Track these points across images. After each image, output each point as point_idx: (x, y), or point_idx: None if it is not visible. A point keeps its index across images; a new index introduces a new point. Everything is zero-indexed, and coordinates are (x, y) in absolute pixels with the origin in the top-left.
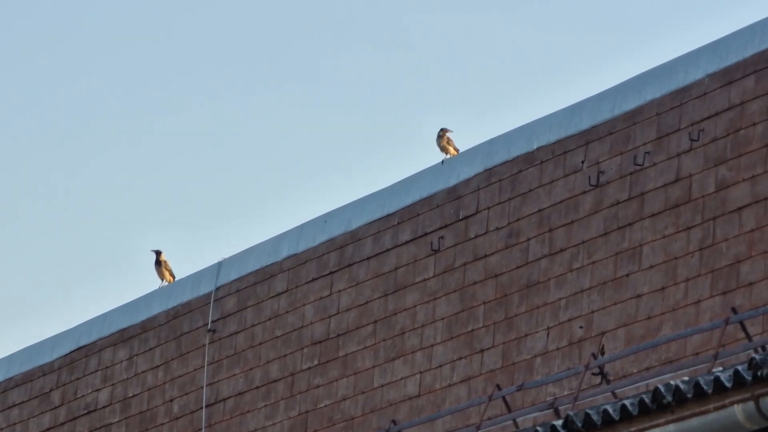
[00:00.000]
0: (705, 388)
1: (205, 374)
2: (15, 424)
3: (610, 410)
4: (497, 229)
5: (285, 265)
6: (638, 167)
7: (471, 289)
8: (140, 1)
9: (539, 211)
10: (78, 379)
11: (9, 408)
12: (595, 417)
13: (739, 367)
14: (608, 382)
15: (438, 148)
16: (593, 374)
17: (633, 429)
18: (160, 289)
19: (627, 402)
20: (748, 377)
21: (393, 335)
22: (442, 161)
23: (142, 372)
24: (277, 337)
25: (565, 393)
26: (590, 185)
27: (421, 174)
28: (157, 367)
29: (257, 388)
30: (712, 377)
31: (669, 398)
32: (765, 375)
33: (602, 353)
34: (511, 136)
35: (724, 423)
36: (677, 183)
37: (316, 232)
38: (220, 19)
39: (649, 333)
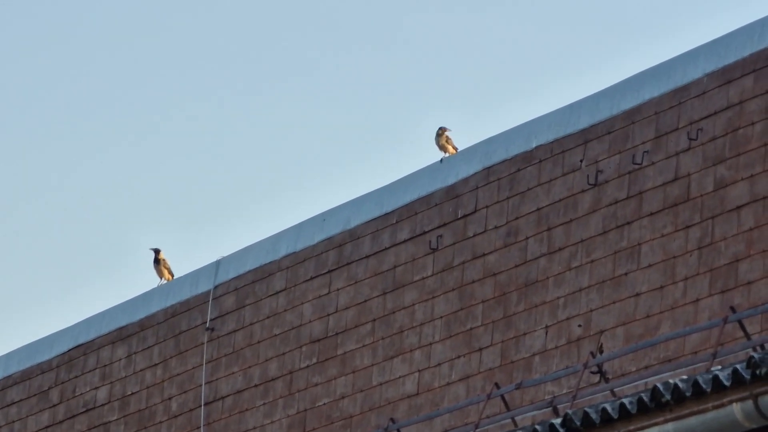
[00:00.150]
0: (704, 386)
1: (203, 372)
2: (14, 422)
3: (609, 409)
4: (496, 227)
5: (283, 263)
6: (637, 166)
7: (470, 287)
8: (137, 1)
9: (538, 210)
10: (77, 377)
11: (8, 406)
12: (593, 415)
13: (738, 366)
14: (607, 380)
15: (437, 147)
16: (592, 373)
17: (632, 428)
18: (159, 287)
19: (626, 400)
20: (747, 376)
21: (392, 334)
22: (441, 160)
23: (141, 370)
24: (276, 335)
25: (564, 391)
26: (589, 184)
27: (420, 173)
28: (156, 365)
29: (256, 386)
30: (710, 376)
31: (668, 397)
32: (764, 374)
33: (601, 352)
34: (509, 135)
35: (723, 422)
36: (676, 182)
37: (314, 230)
38: (217, 20)
39: (647, 332)
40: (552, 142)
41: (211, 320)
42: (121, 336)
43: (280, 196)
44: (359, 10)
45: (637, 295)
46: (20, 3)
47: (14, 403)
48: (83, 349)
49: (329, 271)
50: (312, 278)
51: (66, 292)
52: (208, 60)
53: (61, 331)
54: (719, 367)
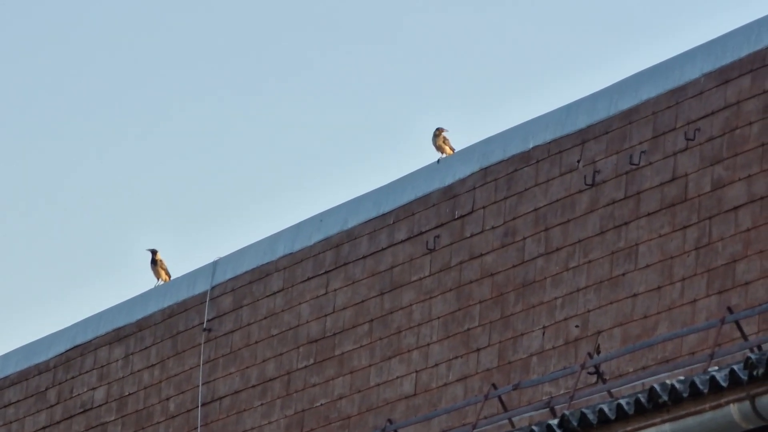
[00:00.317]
0: (701, 387)
1: (201, 373)
2: (11, 422)
3: (606, 409)
4: (493, 228)
5: (281, 264)
6: (634, 166)
7: (467, 288)
8: (134, 2)
9: (535, 210)
10: (74, 377)
11: (5, 406)
12: (591, 416)
13: (735, 367)
14: (604, 381)
15: (434, 148)
16: (589, 373)
17: (629, 428)
18: (156, 288)
19: (623, 401)
20: (744, 377)
21: (389, 334)
22: (438, 160)
23: (138, 371)
24: (273, 335)
25: (561, 392)
26: (586, 184)
27: (417, 173)
28: (153, 365)
29: (253, 386)
30: (707, 377)
31: (665, 397)
32: (761, 374)
33: (598, 352)
34: (507, 135)
35: (720, 422)
36: (673, 182)
37: (311, 231)
38: (214, 22)
39: (645, 332)
40: (549, 143)
41: (208, 321)
42: (118, 336)
43: (278, 196)
44: (356, 11)
45: (635, 295)
46: (19, 3)
47: (12, 403)
48: (81, 350)
49: (326, 272)
50: (309, 279)
51: (63, 292)
52: (205, 61)
53: (58, 331)
54: (716, 367)
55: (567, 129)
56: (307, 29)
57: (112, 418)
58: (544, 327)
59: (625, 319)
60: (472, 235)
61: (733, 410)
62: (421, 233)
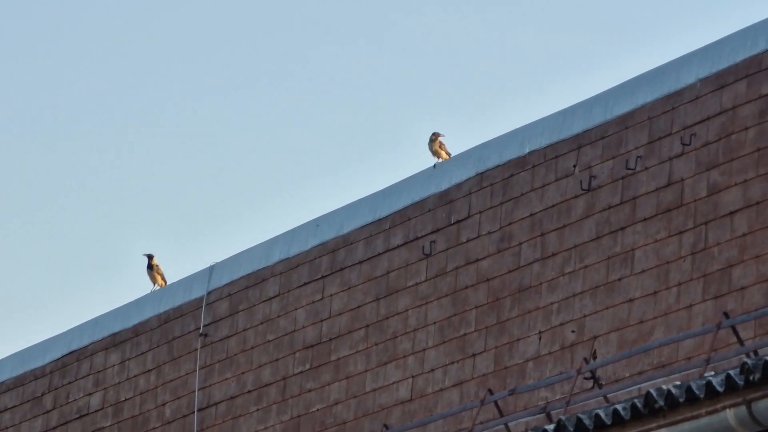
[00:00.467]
0: (697, 392)
1: (197, 378)
2: (7, 428)
3: (602, 415)
4: (489, 233)
5: (277, 269)
6: (630, 171)
7: (463, 293)
8: (131, 9)
9: (531, 215)
10: (70, 383)
11: (1, 412)
12: (587, 421)
13: (731, 372)
14: (600, 386)
15: (430, 153)
16: (585, 378)
17: None
18: (152, 293)
19: (619, 406)
20: (740, 382)
21: (385, 339)
22: (434, 165)
23: (134, 376)
24: (269, 341)
25: (557, 397)
26: (582, 189)
27: (413, 178)
28: (149, 371)
29: (249, 392)
30: (704, 382)
31: (661, 403)
32: (757, 379)
33: (594, 357)
34: (503, 140)
35: (716, 427)
36: (669, 187)
37: (308, 236)
38: (212, 28)
39: (641, 337)
40: (545, 148)
41: (204, 326)
42: (114, 342)
43: (274, 201)
44: (352, 15)
45: (631, 300)
46: (18, 4)
47: (7, 409)
48: (76, 356)
49: (322, 277)
50: (305, 284)
51: (59, 298)
52: (202, 65)
53: (54, 337)
54: (712, 372)
55: (563, 134)
56: (303, 33)
57: (108, 424)
58: (540, 332)
59: (621, 324)
60: (468, 240)
61: (730, 415)
62: (417, 238)
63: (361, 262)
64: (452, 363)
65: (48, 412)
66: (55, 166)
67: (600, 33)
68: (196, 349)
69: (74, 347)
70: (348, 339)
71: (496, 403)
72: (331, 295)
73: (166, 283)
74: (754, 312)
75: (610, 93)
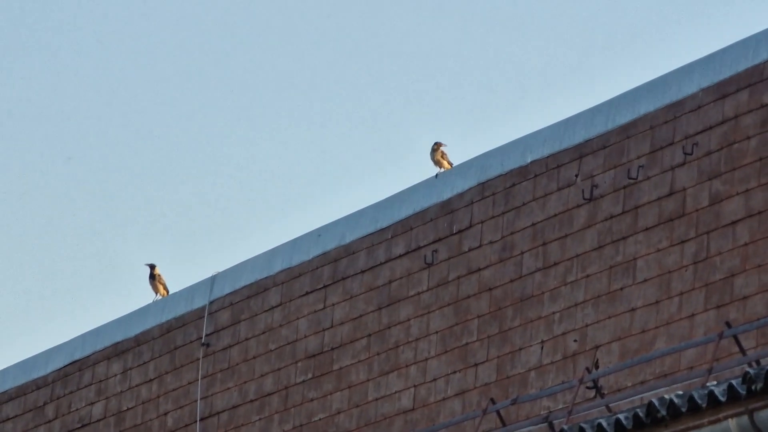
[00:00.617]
0: (699, 402)
1: (199, 388)
2: None
3: (605, 424)
4: (491, 242)
5: (279, 278)
6: (632, 181)
7: (465, 302)
8: (128, 19)
9: (533, 224)
10: (72, 392)
11: (3, 422)
12: (589, 431)
13: (734, 381)
14: (602, 395)
15: (432, 162)
16: (587, 388)
17: None
18: (154, 302)
19: (621, 416)
20: (742, 391)
21: (387, 349)
22: (436, 175)
23: (137, 385)
24: (271, 350)
25: (560, 407)
26: (584, 199)
27: (415, 188)
28: (152, 380)
29: (251, 401)
30: (706, 391)
31: (663, 412)
32: (759, 389)
33: (596, 367)
34: (504, 149)
35: None
36: (671, 197)
37: (309, 245)
38: (217, 38)
39: (643, 347)
40: (547, 157)
41: (206, 335)
42: (116, 351)
43: (275, 211)
44: (354, 27)
45: (633, 310)
46: (16, 7)
47: (9, 419)
48: (79, 365)
49: (324, 286)
50: (307, 293)
51: (61, 307)
52: (205, 75)
53: (56, 346)
54: (715, 382)
55: (565, 143)
56: (305, 45)
57: None
58: (542, 341)
59: (624, 334)
60: (470, 250)
61: (732, 425)
62: (419, 248)
63: (363, 272)
64: (454, 372)
65: (50, 421)
66: (57, 174)
67: (602, 42)
68: (198, 359)
69: (76, 357)
70: (350, 348)
71: (498, 412)
72: (333, 305)
73: (168, 292)
74: (756, 321)
75: (612, 102)
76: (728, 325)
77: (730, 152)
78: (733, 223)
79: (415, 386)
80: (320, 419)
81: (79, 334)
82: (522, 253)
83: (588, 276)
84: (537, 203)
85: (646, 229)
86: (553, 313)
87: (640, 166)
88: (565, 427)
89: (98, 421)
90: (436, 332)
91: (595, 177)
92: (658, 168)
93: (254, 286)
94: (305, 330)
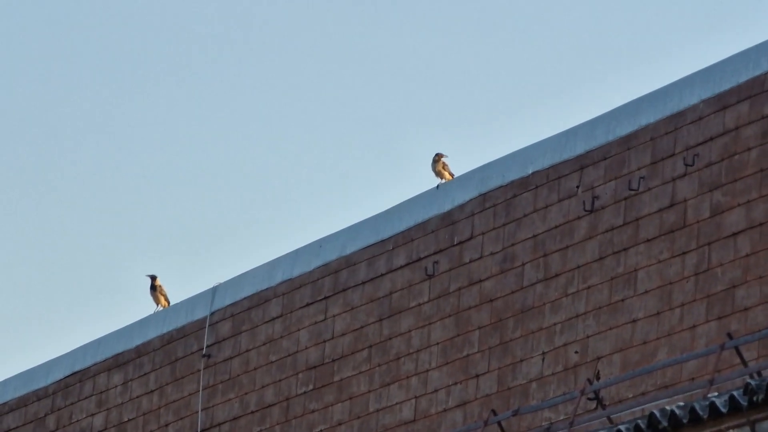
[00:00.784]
0: (700, 413)
1: (200, 399)
2: None
3: None
4: (492, 254)
5: (280, 289)
6: (633, 192)
7: (466, 313)
8: (125, 29)
9: (534, 236)
10: (73, 403)
11: None
12: None
13: (735, 393)
14: (604, 407)
15: (433, 173)
16: (589, 399)
17: None
18: (155, 314)
19: (622, 427)
20: (744, 403)
21: (388, 360)
22: (437, 186)
23: (137, 397)
24: (272, 361)
25: (561, 418)
26: (585, 210)
27: (416, 199)
28: (152, 391)
29: (252, 412)
30: (707, 402)
31: (665, 423)
32: (760, 400)
33: (598, 378)
34: (505, 161)
35: None
36: (672, 208)
37: (310, 257)
38: (217, 49)
39: (644, 358)
40: (548, 168)
41: (207, 347)
42: (117, 363)
43: (276, 222)
44: (355, 36)
45: (634, 321)
46: (15, 10)
47: (10, 430)
48: (79, 376)
49: (325, 298)
50: (308, 304)
51: (62, 319)
52: (205, 86)
53: (57, 357)
54: (716, 393)
55: (566, 154)
56: (307, 54)
57: None
58: (543, 353)
59: (625, 345)
60: (470, 261)
61: None
62: (420, 259)
63: (363, 283)
64: (455, 384)
65: None
66: (58, 186)
67: (602, 54)
68: (199, 370)
69: (77, 368)
70: (351, 360)
71: (499, 423)
72: (334, 316)
73: (169, 303)
74: (757, 333)
75: (612, 114)
76: (730, 336)
77: (731, 163)
78: (734, 234)
79: (416, 397)
80: (321, 431)
81: (80, 345)
82: (523, 264)
83: (589, 287)
84: (538, 214)
85: (647, 240)
86: (554, 324)
87: (641, 178)
88: None
89: None
90: (437, 343)
91: (596, 188)
92: (659, 179)
93: (255, 298)
94: (306, 341)
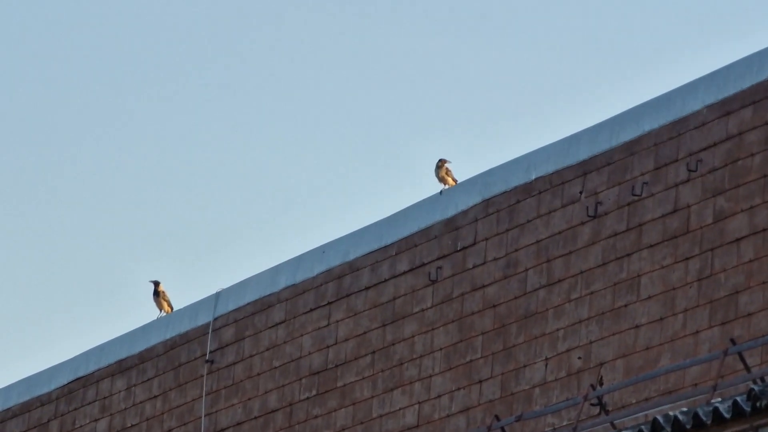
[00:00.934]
0: (704, 419)
1: (203, 404)
2: None
3: None
4: (495, 259)
5: (283, 295)
6: (636, 198)
7: (469, 319)
8: (124, 39)
9: (537, 241)
10: (76, 409)
11: None
12: None
13: (738, 398)
14: (607, 412)
15: (436, 179)
16: (592, 405)
17: None
18: (158, 319)
19: None
20: (747, 408)
21: (391, 366)
22: (441, 192)
23: (141, 402)
24: (276, 367)
25: (564, 423)
26: (588, 216)
27: (419, 205)
28: (156, 397)
29: (255, 418)
30: (710, 408)
31: (668, 429)
32: (764, 406)
33: (601, 384)
34: (509, 166)
35: None
36: (675, 213)
37: (314, 262)
38: (221, 55)
39: (647, 364)
40: (551, 174)
41: (210, 352)
42: (120, 368)
43: (279, 228)
44: (358, 42)
45: (637, 327)
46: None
47: None
48: (83, 382)
49: (328, 303)
50: (311, 310)
51: (65, 324)
52: (210, 92)
53: (60, 363)
54: (719, 399)
55: (569, 160)
56: (310, 60)
57: None
58: (546, 358)
59: (628, 351)
60: (474, 267)
61: None
62: (423, 265)
63: (367, 289)
64: (459, 389)
65: None
66: (61, 191)
67: (606, 60)
68: (202, 376)
69: (80, 374)
70: (354, 365)
71: (502, 429)
72: (337, 322)
73: (172, 309)
74: (761, 338)
75: (615, 119)
76: (733, 342)
77: (734, 169)
78: (738, 240)
79: (419, 403)
80: None
81: (84, 350)
82: (526, 270)
83: (592, 293)
84: (541, 220)
85: (651, 246)
86: (558, 330)
87: (644, 183)
88: None
89: None
90: (441, 349)
91: (600, 194)
92: (662, 185)
93: (258, 303)
94: (309, 347)
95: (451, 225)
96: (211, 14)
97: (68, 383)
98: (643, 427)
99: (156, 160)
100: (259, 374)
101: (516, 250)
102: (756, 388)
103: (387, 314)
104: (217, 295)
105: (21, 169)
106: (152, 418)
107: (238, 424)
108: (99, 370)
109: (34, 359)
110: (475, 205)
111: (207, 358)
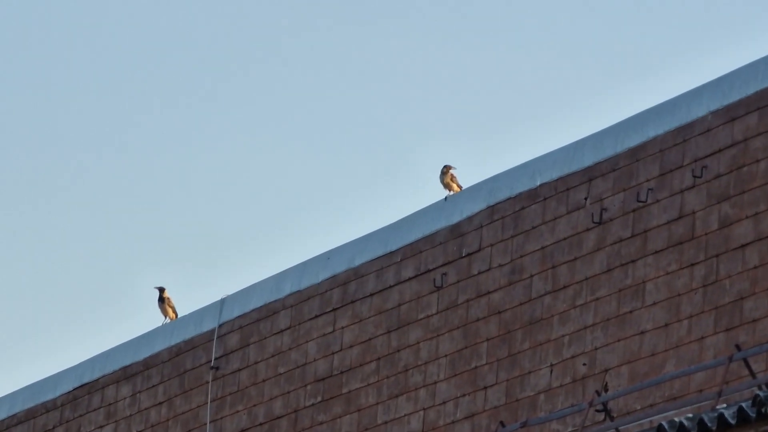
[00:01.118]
0: (709, 425)
1: (208, 411)
2: None
3: None
4: (500, 265)
5: (288, 301)
6: (641, 204)
7: (474, 325)
8: (125, 44)
9: (542, 248)
10: (81, 416)
11: None
12: None
13: (743, 404)
14: (612, 419)
15: (441, 185)
16: (597, 411)
17: None
18: (163, 326)
19: None
20: (752, 414)
21: (396, 372)
22: (446, 198)
23: (146, 409)
24: (281, 374)
25: (569, 430)
26: (593, 222)
27: (424, 211)
28: (161, 404)
29: (260, 424)
30: (716, 414)
31: None
32: None
33: (606, 390)
34: (514, 172)
35: None
36: (680, 220)
37: (318, 269)
38: (224, 63)
39: (652, 370)
40: (556, 180)
41: (215, 359)
42: (125, 375)
43: (284, 234)
44: (362, 47)
45: (642, 333)
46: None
47: None
48: (88, 388)
49: (333, 310)
50: (316, 316)
51: (70, 331)
52: (213, 97)
53: (65, 370)
54: (724, 405)
55: (574, 166)
56: (314, 66)
57: None
58: (551, 365)
59: (633, 357)
60: (479, 273)
61: None
62: (428, 271)
63: (372, 295)
64: (464, 395)
65: None
66: (66, 197)
67: (611, 65)
68: (208, 382)
69: (85, 380)
70: (359, 372)
71: None
72: (342, 328)
73: (177, 315)
74: (766, 344)
75: (621, 125)
76: (738, 348)
77: (739, 175)
78: (743, 246)
79: (424, 409)
80: None
81: (89, 357)
82: (531, 276)
83: (597, 299)
84: (546, 226)
85: (656, 252)
86: (563, 336)
87: (649, 189)
88: None
89: None
90: (446, 355)
91: (605, 200)
92: (668, 191)
93: (263, 310)
94: (314, 353)
95: (456, 231)
96: (220, 20)
97: (73, 390)
98: None
99: (161, 166)
100: (264, 381)
101: (521, 257)
102: (761, 394)
103: (392, 320)
104: (222, 302)
105: (26, 175)
106: (157, 425)
107: (243, 430)
108: (104, 376)
109: (39, 366)
110: (480, 212)
111: (212, 364)
